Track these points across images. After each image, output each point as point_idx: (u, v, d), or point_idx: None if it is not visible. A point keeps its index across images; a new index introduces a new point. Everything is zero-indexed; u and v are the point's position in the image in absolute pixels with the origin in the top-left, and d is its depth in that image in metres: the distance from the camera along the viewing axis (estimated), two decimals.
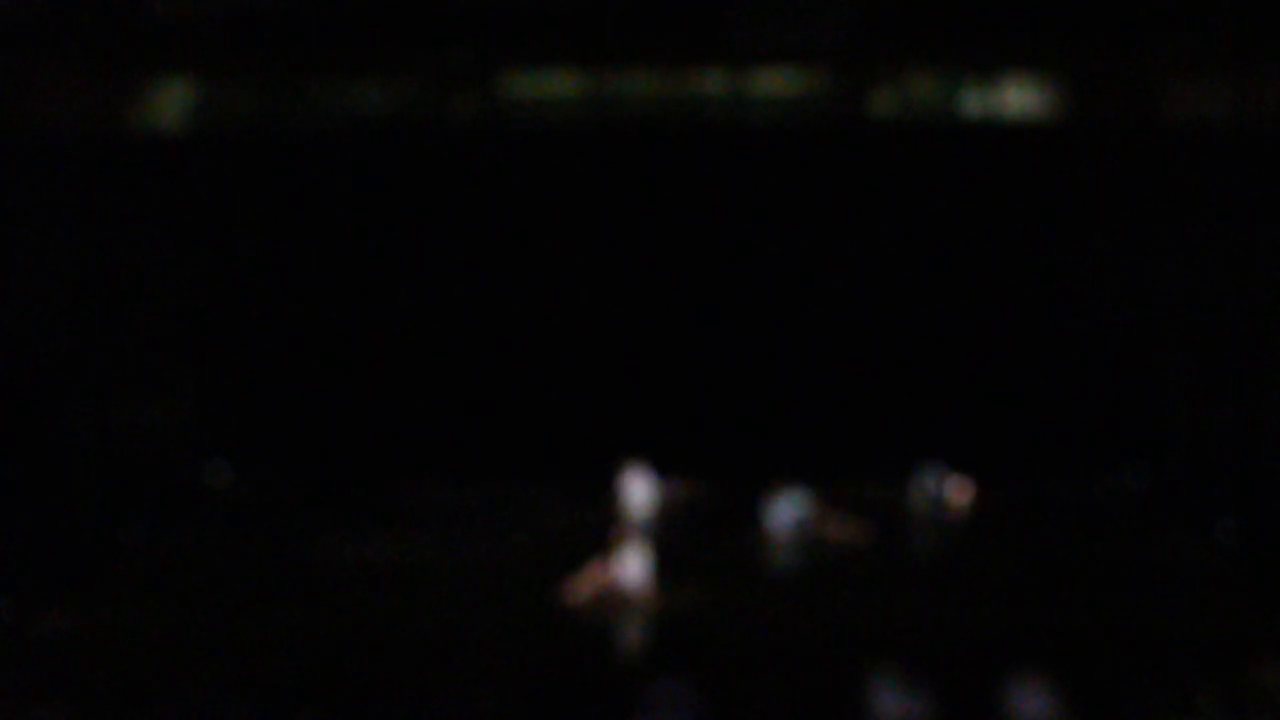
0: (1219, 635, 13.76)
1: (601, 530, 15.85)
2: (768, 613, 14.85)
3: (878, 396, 19.69)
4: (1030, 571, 16.48)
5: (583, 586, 14.99)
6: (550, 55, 18.93)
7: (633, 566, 15.13)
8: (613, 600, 14.93)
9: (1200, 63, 18.55)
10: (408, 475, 19.70)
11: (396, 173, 19.54)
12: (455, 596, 15.36)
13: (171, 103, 19.11)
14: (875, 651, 13.29)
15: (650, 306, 19.90)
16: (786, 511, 17.20)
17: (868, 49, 18.64)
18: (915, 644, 13.66)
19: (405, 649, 13.71)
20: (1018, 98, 19.11)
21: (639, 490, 18.06)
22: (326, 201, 19.62)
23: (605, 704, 11.75)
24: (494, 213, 19.66)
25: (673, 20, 18.36)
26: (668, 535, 17.17)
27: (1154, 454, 19.46)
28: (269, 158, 19.48)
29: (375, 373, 19.99)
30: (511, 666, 13.11)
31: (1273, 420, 18.84)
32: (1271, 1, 17.56)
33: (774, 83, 19.09)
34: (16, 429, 17.43)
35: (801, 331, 19.84)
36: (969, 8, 18.33)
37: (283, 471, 19.81)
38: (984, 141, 19.25)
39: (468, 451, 19.78)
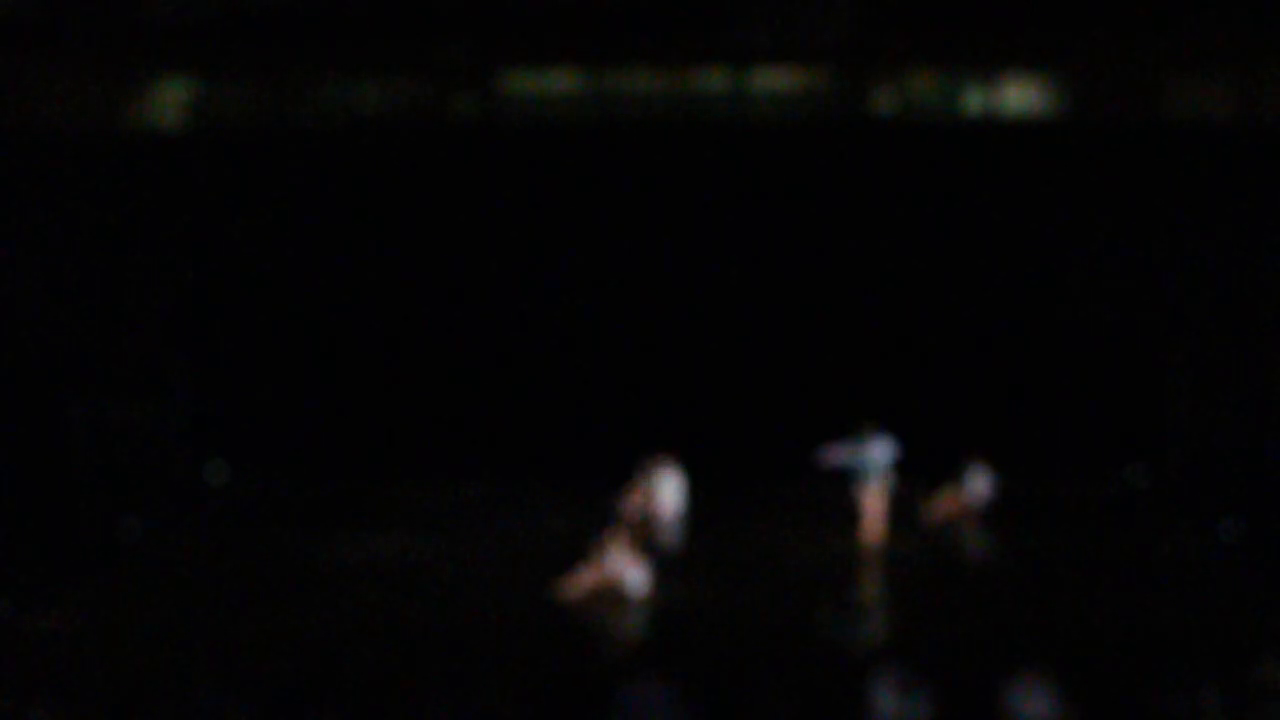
0: (1222, 634, 13.73)
1: (599, 530, 15.80)
2: (768, 612, 14.81)
3: (875, 396, 19.60)
4: (1034, 570, 16.44)
5: (579, 584, 14.96)
6: (550, 53, 18.90)
7: (628, 564, 15.09)
8: (608, 598, 14.90)
9: (1201, 60, 18.52)
10: (407, 475, 19.67)
11: (396, 171, 19.49)
12: (455, 596, 15.32)
13: (170, 102, 19.10)
14: (876, 652, 13.33)
15: (649, 305, 19.84)
16: (882, 450, 17.07)
17: (869, 47, 18.61)
18: (916, 644, 13.63)
19: (405, 649, 13.67)
20: (1019, 95, 19.08)
21: (668, 485, 17.89)
22: (325, 200, 19.57)
23: (596, 703, 11.72)
24: (493, 211, 19.60)
25: (673, 18, 18.33)
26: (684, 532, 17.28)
27: (1157, 454, 19.41)
28: (268, 156, 19.44)
29: (374, 372, 19.95)
30: (509, 666, 13.08)
31: (1276, 420, 18.81)
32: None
33: (775, 81, 19.05)
34: (15, 429, 17.41)
35: (801, 330, 19.78)
36: (970, 6, 18.31)
37: (282, 471, 19.77)
38: (985, 139, 19.20)
39: (467, 451, 19.74)
